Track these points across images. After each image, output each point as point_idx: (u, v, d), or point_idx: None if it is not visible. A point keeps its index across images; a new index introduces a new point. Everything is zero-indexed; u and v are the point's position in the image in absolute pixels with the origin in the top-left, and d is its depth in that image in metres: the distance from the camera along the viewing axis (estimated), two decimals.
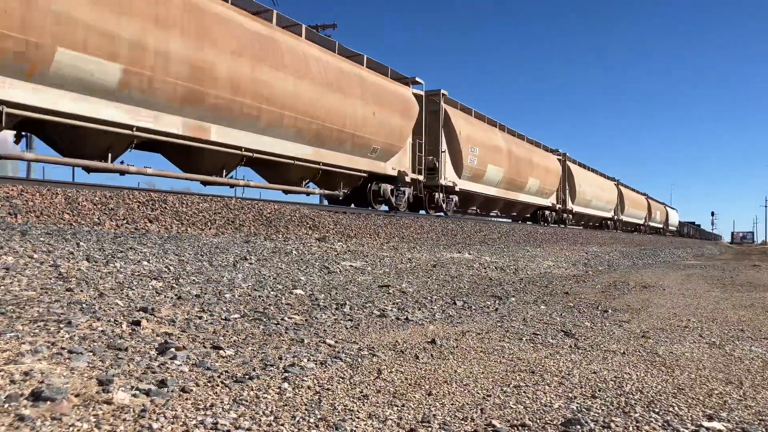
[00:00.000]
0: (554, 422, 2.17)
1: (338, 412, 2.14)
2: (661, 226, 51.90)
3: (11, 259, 4.39)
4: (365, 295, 5.13)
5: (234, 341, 3.08)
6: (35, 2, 6.77)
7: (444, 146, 16.84)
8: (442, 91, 16.86)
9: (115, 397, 2.01)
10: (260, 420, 2.00)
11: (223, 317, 3.61)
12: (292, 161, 11.28)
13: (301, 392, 2.34)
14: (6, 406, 1.86)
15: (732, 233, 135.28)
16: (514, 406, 2.34)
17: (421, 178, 15.79)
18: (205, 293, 4.29)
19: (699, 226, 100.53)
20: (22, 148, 8.99)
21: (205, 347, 2.87)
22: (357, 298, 4.95)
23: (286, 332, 3.42)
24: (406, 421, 2.11)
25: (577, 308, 5.37)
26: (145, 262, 5.11)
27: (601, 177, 35.69)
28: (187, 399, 2.12)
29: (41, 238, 5.36)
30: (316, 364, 2.77)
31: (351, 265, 6.99)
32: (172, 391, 2.17)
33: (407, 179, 15.07)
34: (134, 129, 8.36)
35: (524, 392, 2.54)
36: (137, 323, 3.11)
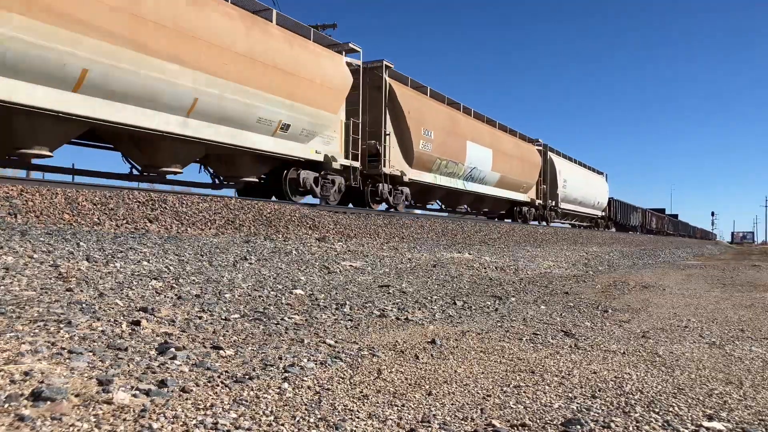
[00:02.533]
0: (554, 422, 2.17)
1: (338, 412, 2.14)
2: (521, 197, 22.57)
3: (11, 259, 4.39)
4: (365, 295, 5.13)
5: (234, 341, 3.08)
6: None
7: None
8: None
9: (115, 397, 2.01)
10: (260, 420, 2.00)
11: (223, 317, 3.61)
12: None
13: (301, 392, 2.34)
14: (6, 406, 1.86)
15: (732, 233, 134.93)
16: (514, 406, 2.34)
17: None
18: (205, 293, 4.29)
19: (676, 216, 72.85)
20: None
21: (205, 347, 2.87)
22: (357, 298, 4.95)
23: (286, 332, 3.42)
24: (406, 421, 2.11)
25: (577, 308, 5.37)
26: (145, 262, 5.11)
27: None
28: (187, 399, 2.12)
29: (41, 238, 5.36)
30: (316, 364, 2.77)
31: (351, 265, 6.99)
32: (172, 391, 2.17)
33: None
34: None
35: (524, 392, 2.54)
36: (137, 323, 3.11)
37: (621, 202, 41.19)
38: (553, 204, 26.11)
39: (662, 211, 64.28)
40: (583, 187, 29.98)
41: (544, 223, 25.27)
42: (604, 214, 36.39)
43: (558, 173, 26.06)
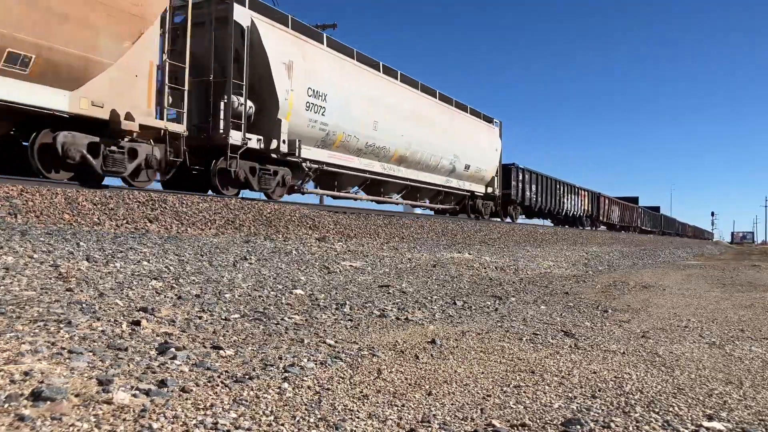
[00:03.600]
0: (554, 422, 2.17)
1: (338, 412, 2.14)
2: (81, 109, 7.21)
3: (11, 259, 4.39)
4: (365, 295, 5.13)
5: (234, 341, 3.08)
6: None
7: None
8: None
9: (115, 397, 2.01)
10: (260, 420, 2.00)
11: (223, 317, 3.61)
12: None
13: (301, 392, 2.34)
14: (6, 406, 1.85)
15: (732, 233, 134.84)
16: (514, 406, 2.34)
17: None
18: (205, 293, 4.29)
19: (657, 209, 56.66)
20: None
21: (205, 347, 2.87)
22: (357, 298, 4.95)
23: (286, 332, 3.42)
24: (406, 421, 2.11)
25: (577, 308, 5.37)
26: (145, 262, 5.10)
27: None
28: (187, 399, 2.12)
29: (41, 238, 5.36)
30: (316, 364, 2.77)
31: (351, 265, 6.99)
32: (172, 391, 2.17)
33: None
34: None
35: (524, 392, 2.54)
36: (137, 323, 3.11)
37: (537, 175, 25.25)
38: (271, 146, 10.91)
39: (634, 200, 47.60)
40: (406, 125, 15.14)
41: (245, 193, 11.38)
42: (493, 191, 21.15)
43: (284, 72, 10.92)
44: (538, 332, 4.01)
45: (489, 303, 5.39)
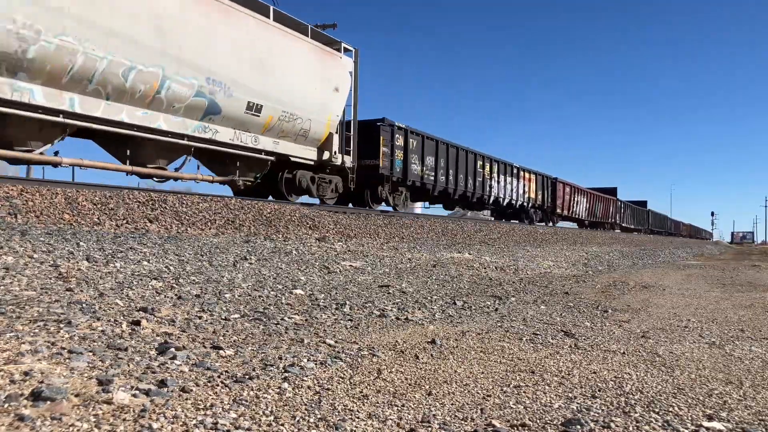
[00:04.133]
0: (554, 422, 2.17)
1: (338, 412, 2.14)
2: None
3: (11, 259, 4.39)
4: (365, 295, 5.13)
5: (234, 341, 3.08)
6: None
7: None
8: None
9: (115, 397, 2.01)
10: (260, 420, 2.00)
11: (223, 317, 3.61)
12: None
13: (301, 392, 2.34)
14: (6, 406, 1.85)
15: (732, 233, 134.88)
16: (514, 406, 2.34)
17: None
18: (205, 293, 4.29)
19: (644, 205, 48.75)
20: None
21: (205, 347, 2.87)
22: (357, 298, 4.95)
23: (286, 332, 3.42)
24: (406, 421, 2.11)
25: (577, 308, 5.37)
26: (145, 262, 5.10)
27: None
28: (187, 399, 2.12)
29: (41, 238, 5.35)
30: (316, 364, 2.77)
31: (351, 265, 6.99)
32: (172, 391, 2.17)
33: None
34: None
35: (524, 392, 2.54)
36: (137, 323, 3.11)
37: (436, 141, 16.94)
38: None
39: (610, 191, 38.64)
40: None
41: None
42: (330, 157, 12.37)
43: None
44: (538, 332, 4.01)
45: (489, 303, 5.39)
